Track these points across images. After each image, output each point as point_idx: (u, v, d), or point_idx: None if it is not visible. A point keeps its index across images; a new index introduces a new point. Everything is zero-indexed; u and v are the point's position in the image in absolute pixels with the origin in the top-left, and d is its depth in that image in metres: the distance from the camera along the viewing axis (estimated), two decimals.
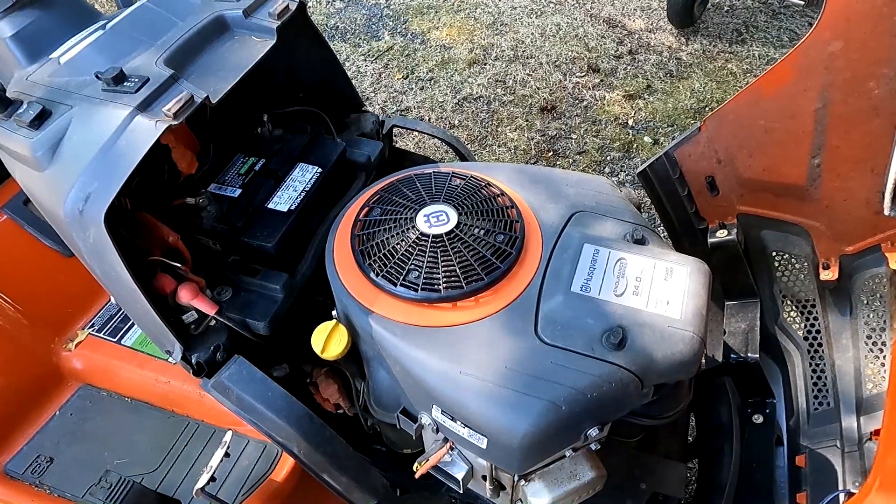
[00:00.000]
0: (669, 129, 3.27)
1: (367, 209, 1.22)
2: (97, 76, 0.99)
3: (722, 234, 1.47)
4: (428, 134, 1.56)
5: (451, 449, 1.14)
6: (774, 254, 1.49)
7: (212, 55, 1.06)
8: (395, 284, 1.09)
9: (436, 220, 1.16)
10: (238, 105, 1.33)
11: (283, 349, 1.32)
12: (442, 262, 1.10)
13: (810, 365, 1.49)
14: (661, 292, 1.07)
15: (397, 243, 1.14)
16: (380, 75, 3.65)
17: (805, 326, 1.50)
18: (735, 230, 1.46)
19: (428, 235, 1.13)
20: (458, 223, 1.15)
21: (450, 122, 3.34)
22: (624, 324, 1.03)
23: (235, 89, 1.07)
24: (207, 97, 0.97)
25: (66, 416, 1.67)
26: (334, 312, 1.21)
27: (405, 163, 1.61)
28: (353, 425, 1.33)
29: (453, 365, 1.02)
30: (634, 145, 3.18)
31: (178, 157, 1.14)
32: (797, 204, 1.39)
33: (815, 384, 1.47)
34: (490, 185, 1.25)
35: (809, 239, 1.42)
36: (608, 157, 3.13)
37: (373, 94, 3.53)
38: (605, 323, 1.04)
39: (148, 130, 0.93)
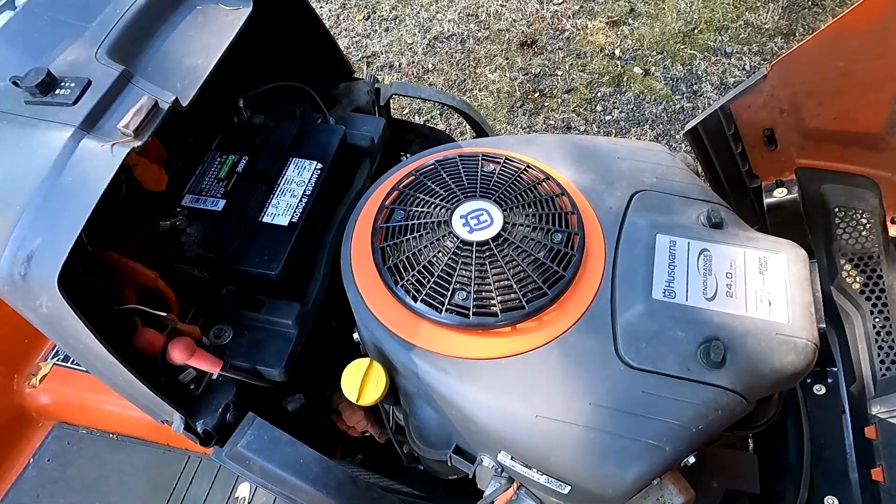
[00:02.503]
0: (659, 56, 3.03)
1: (386, 212, 0.99)
2: (14, 83, 0.71)
3: (780, 193, 1.29)
4: (437, 102, 1.30)
5: (518, 488, 0.98)
6: (836, 209, 1.33)
7: (170, 37, 0.79)
8: (439, 311, 0.88)
9: (476, 221, 0.95)
10: (203, 89, 1.05)
11: (297, 378, 1.12)
12: (494, 275, 0.90)
13: (874, 327, 1.36)
14: (759, 290, 0.90)
15: (434, 256, 0.92)
16: (338, 17, 3.27)
17: (868, 285, 1.36)
18: (794, 187, 1.29)
19: (471, 243, 0.92)
20: (505, 223, 0.94)
21: (423, 67, 3.03)
22: (722, 335, 0.86)
23: None
24: (177, 100, 0.72)
25: (43, 462, 1.45)
26: (356, 336, 1.01)
27: (407, 136, 1.36)
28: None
29: (525, 406, 0.84)
30: (625, 78, 2.95)
31: (143, 173, 0.88)
32: (867, 154, 1.22)
33: (879, 347, 1.35)
34: (531, 168, 1.03)
35: (877, 191, 1.26)
36: (598, 94, 2.90)
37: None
38: (699, 335, 0.86)
39: (103, 159, 0.67)
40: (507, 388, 0.85)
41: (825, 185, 1.31)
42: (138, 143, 0.68)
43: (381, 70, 3.05)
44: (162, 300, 0.89)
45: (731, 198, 1.39)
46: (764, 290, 0.90)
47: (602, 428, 0.81)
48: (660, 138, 2.72)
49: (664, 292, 0.90)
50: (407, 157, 1.39)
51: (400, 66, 3.05)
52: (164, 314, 0.85)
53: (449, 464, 1.01)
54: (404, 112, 2.87)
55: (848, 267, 1.40)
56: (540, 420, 0.82)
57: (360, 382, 0.90)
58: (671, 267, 0.92)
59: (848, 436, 1.31)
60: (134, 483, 1.38)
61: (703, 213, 0.99)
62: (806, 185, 1.32)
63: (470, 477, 1.01)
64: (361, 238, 0.98)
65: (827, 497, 1.23)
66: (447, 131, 2.81)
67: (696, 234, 0.96)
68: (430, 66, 3.03)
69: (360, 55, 3.10)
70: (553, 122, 2.79)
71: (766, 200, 1.30)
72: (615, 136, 2.72)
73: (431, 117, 2.84)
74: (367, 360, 0.92)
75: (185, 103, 0.74)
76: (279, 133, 1.07)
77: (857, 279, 1.40)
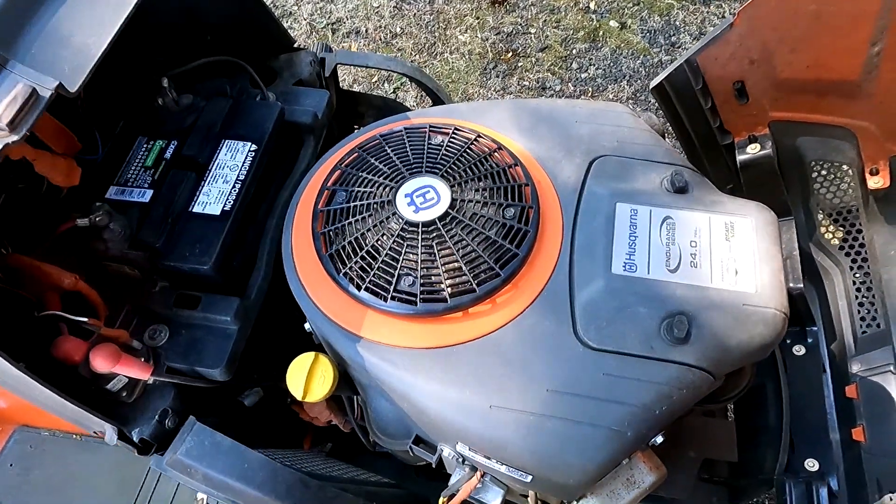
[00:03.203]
0: (636, 7, 2.91)
1: (327, 194, 0.92)
2: None
3: (754, 149, 1.23)
4: (384, 70, 1.22)
5: (483, 475, 0.94)
6: (812, 163, 1.27)
7: (56, 15, 0.69)
8: (384, 298, 0.82)
9: (422, 199, 0.88)
10: (123, 67, 0.97)
11: (251, 370, 1.06)
12: (441, 258, 0.84)
13: (853, 283, 1.31)
14: (725, 258, 0.84)
15: (377, 239, 0.86)
16: None
17: (847, 240, 1.31)
18: (768, 142, 1.22)
19: (416, 224, 0.86)
20: (453, 200, 0.87)
21: (391, 31, 2.90)
22: (686, 309, 0.81)
23: (115, 46, 0.72)
24: (61, 85, 0.64)
25: (6, 468, 1.40)
26: (307, 326, 0.95)
27: (359, 108, 1.28)
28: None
29: (478, 396, 0.79)
30: (600, 32, 2.84)
31: (47, 168, 0.81)
32: (844, 103, 1.15)
33: (860, 304, 1.30)
34: (481, 138, 0.95)
35: (855, 142, 1.20)
36: (574, 51, 2.79)
37: (296, 8, 3.03)
38: (662, 310, 0.81)
39: None
40: (459, 378, 0.80)
41: (800, 138, 1.24)
42: (14, 138, 0.60)
43: (347, 37, 2.93)
44: (87, 305, 0.83)
45: (702, 157, 1.32)
46: (730, 258, 0.84)
47: (560, 415, 0.76)
48: (638, 94, 2.62)
49: (625, 266, 0.84)
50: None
51: (367, 31, 2.92)
52: (86, 319, 0.78)
53: (411, 454, 0.97)
54: (373, 80, 2.76)
55: (826, 222, 1.34)
56: (495, 411, 0.77)
57: (306, 379, 0.85)
58: (632, 238, 0.86)
59: (829, 396, 1.28)
60: (100, 483, 1.34)
61: (666, 177, 0.93)
62: (780, 140, 1.25)
63: (434, 466, 0.97)
64: (302, 223, 0.92)
65: (807, 460, 1.20)
66: (417, 98, 2.71)
67: (658, 201, 0.90)
68: (397, 29, 2.90)
69: (325, 22, 2.96)
70: (528, 83, 2.69)
71: (739, 157, 1.24)
72: (592, 94, 2.62)
73: (402, 84, 2.73)
74: (312, 354, 0.87)
75: (73, 89, 0.66)
76: (209, 114, 0.98)
77: (836, 234, 1.34)
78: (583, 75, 2.69)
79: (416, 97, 2.67)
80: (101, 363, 0.75)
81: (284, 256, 0.90)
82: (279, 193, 1.00)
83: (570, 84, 2.67)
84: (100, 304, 0.84)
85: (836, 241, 1.34)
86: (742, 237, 0.86)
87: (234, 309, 0.87)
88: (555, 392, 0.78)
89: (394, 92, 2.69)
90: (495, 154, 0.94)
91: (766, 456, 1.22)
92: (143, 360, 0.81)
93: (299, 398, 0.84)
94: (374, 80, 2.78)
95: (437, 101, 1.27)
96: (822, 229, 1.34)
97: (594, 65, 2.73)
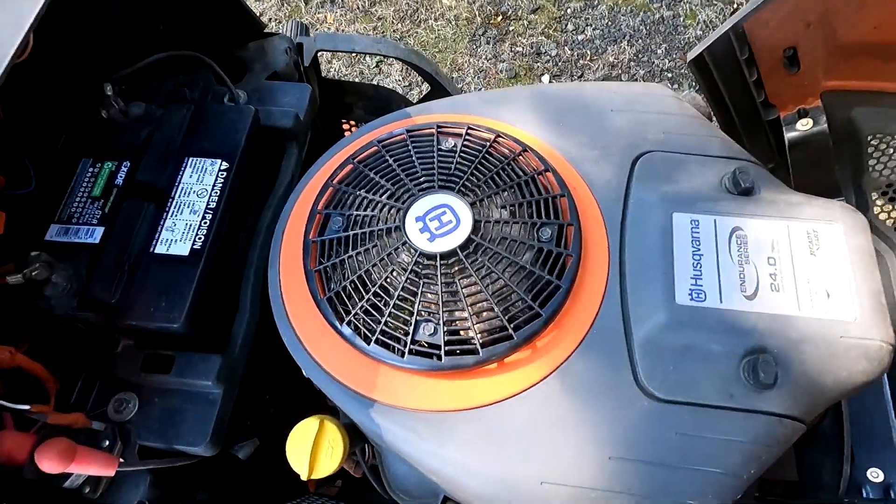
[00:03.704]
0: None
1: (319, 219, 0.76)
2: None
3: (805, 125, 1.07)
4: (373, 54, 1.03)
5: None
6: (869, 137, 1.11)
7: None
8: (400, 353, 0.67)
9: (437, 224, 0.72)
10: (56, 73, 0.78)
11: (244, 418, 0.91)
12: (468, 297, 0.68)
13: None
14: (812, 278, 0.69)
15: (386, 277, 0.70)
16: None
17: None
18: (821, 116, 1.06)
19: (433, 256, 0.69)
20: (476, 223, 0.71)
21: None
22: (771, 345, 0.66)
23: (40, 46, 0.54)
24: None
25: None
26: (306, 372, 0.79)
27: (346, 99, 1.10)
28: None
29: (525, 468, 0.64)
30: None
31: None
32: None
33: None
34: (501, 138, 0.79)
35: None
36: (568, 10, 2.58)
37: None
38: (740, 348, 0.66)
39: None
40: (498, 447, 0.65)
41: (856, 109, 1.08)
42: None
43: (322, 7, 2.69)
44: (31, 383, 0.66)
45: (741, 135, 1.16)
46: (818, 277, 0.69)
47: (628, 490, 0.62)
48: (640, 55, 2.44)
49: (691, 294, 0.69)
50: (350, 129, 1.13)
51: (342, 0, 2.68)
52: (27, 407, 0.62)
53: None
54: (353, 54, 2.54)
55: (881, 201, 1.20)
56: (547, 487, 0.63)
57: (311, 451, 0.70)
58: (696, 257, 0.71)
59: (888, 401, 1.16)
60: None
61: (727, 175, 0.77)
62: (832, 112, 1.09)
63: None
64: (291, 257, 0.75)
65: (870, 469, 1.08)
66: (403, 72, 2.50)
67: (722, 208, 0.74)
68: None
69: None
70: (521, 49, 2.49)
71: (788, 135, 1.08)
72: (591, 58, 2.43)
73: (385, 57, 2.51)
74: (316, 421, 0.71)
75: None
76: (167, 125, 0.80)
77: (892, 214, 1.20)
78: (579, 37, 2.49)
79: (401, 71, 2.46)
80: (49, 465, 0.59)
81: (273, 300, 0.74)
82: (260, 217, 0.82)
83: (566, 48, 2.48)
84: (48, 378, 0.68)
85: (891, 221, 1.20)
86: (830, 249, 0.71)
87: (217, 369, 0.71)
88: (619, 460, 0.63)
89: (376, 66, 2.47)
90: (520, 158, 0.77)
91: (823, 468, 1.11)
92: (107, 447, 0.65)
93: (304, 477, 0.69)
94: (353, 55, 2.56)
95: (437, 86, 1.09)
96: (877, 209, 1.20)
97: (591, 25, 2.53)
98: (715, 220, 0.73)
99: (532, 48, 2.49)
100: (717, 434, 0.64)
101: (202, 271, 0.71)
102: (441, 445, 0.66)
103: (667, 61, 2.40)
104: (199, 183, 0.77)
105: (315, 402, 0.86)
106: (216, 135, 0.80)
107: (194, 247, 0.73)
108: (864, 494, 1.05)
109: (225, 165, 0.78)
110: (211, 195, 0.76)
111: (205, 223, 0.74)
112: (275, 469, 0.96)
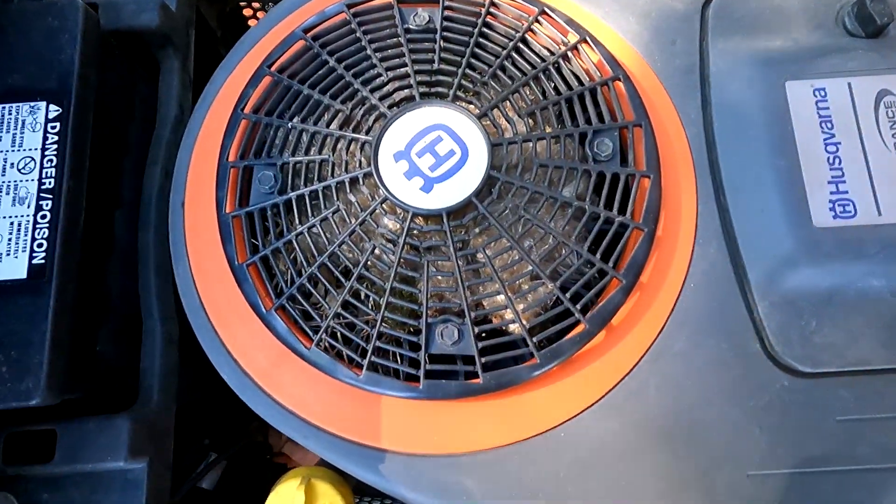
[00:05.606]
0: None
1: (235, 176, 0.47)
2: None
3: None
4: None
5: None
6: None
7: None
8: (415, 379, 0.42)
9: (432, 159, 0.44)
10: None
11: (198, 436, 0.68)
12: (501, 272, 0.42)
13: None
14: None
15: (367, 262, 0.43)
16: None
17: None
18: None
19: (438, 214, 0.43)
20: (493, 147, 0.44)
21: None
22: None
23: None
24: None
25: None
26: (272, 423, 0.55)
27: None
28: None
29: None
30: None
31: None
32: None
33: None
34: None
35: None
36: None
37: None
38: None
39: None
40: (585, 479, 0.44)
41: None
42: None
43: None
44: None
45: None
46: None
47: None
48: None
49: (833, 208, 0.45)
50: (255, 15, 0.77)
51: None
52: None
53: None
54: None
55: None
56: None
57: None
58: (832, 148, 0.46)
59: None
60: None
61: (844, 8, 0.50)
62: None
63: None
64: (206, 242, 0.47)
65: None
66: None
67: (855, 63, 0.48)
68: None
69: None
70: None
71: None
72: None
73: None
74: (297, 478, 0.48)
75: None
76: None
77: None
78: None
79: None
80: None
81: (192, 317, 0.47)
82: (144, 182, 0.52)
83: None
84: None
85: None
86: None
87: (126, 437, 0.45)
88: (759, 477, 0.43)
89: None
90: (538, 25, 0.48)
91: None
92: None
93: None
94: None
95: None
96: None
97: None
98: (850, 84, 0.48)
99: None
100: (890, 412, 0.44)
101: (57, 298, 0.42)
102: (499, 496, 0.44)
103: None
104: (18, 149, 0.45)
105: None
106: (27, 58, 0.47)
107: (34, 261, 0.43)
108: None
109: (55, 109, 0.46)
110: (43, 166, 0.45)
111: (43, 217, 0.44)
112: (251, 491, 0.75)
